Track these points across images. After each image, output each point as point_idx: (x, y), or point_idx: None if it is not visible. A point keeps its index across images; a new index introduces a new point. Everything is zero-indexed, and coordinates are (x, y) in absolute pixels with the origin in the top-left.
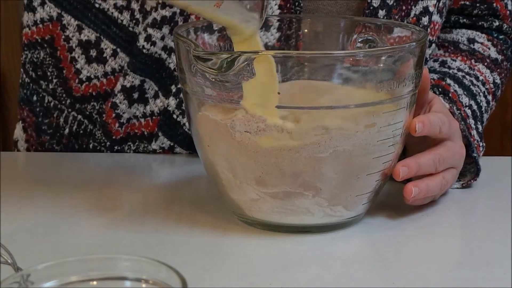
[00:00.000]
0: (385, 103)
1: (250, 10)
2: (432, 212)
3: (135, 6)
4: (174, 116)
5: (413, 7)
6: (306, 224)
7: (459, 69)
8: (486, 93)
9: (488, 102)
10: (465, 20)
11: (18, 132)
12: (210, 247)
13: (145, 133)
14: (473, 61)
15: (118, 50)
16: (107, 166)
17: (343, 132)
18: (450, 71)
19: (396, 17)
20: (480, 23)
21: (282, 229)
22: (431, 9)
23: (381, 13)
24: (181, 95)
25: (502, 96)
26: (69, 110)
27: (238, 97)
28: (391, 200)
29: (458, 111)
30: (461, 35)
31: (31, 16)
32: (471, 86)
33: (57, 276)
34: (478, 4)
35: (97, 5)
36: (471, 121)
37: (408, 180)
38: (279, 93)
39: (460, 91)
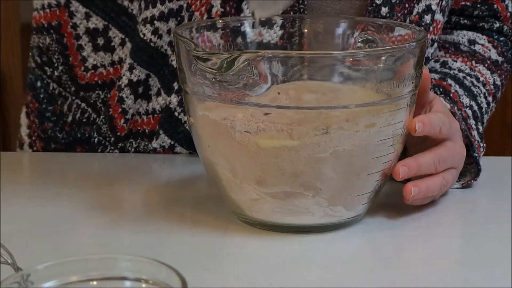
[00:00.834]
0: (385, 103)
1: None
2: (432, 212)
3: None
4: (176, 113)
5: (416, 5)
6: (306, 224)
7: (460, 70)
8: (486, 94)
9: (488, 104)
10: (465, 21)
11: (23, 118)
12: (210, 247)
13: (147, 130)
14: (473, 62)
15: (127, 39)
16: (107, 166)
17: (343, 132)
18: (451, 72)
19: (399, 14)
20: (480, 25)
21: (282, 229)
22: (434, 7)
23: (384, 10)
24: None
25: (502, 97)
26: (73, 97)
27: (238, 97)
28: (391, 200)
29: (459, 112)
30: (462, 36)
31: None
32: (471, 87)
33: (57, 276)
34: (478, 5)
35: None
36: (472, 122)
37: (408, 180)
38: (279, 93)
39: (461, 91)
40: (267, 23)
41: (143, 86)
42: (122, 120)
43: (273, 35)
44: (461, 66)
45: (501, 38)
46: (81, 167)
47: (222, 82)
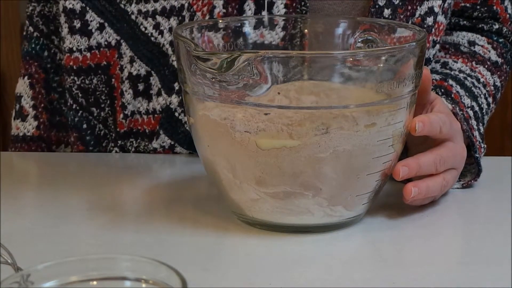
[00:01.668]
0: (385, 103)
1: None
2: (432, 212)
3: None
4: (176, 114)
5: (418, 7)
6: (306, 224)
7: (460, 71)
8: (487, 95)
9: (488, 104)
10: (465, 22)
11: (22, 88)
12: (210, 247)
13: (147, 130)
14: (474, 63)
15: (106, 24)
16: (107, 166)
17: (343, 132)
18: (452, 73)
19: (401, 16)
20: (480, 26)
21: (282, 229)
22: (436, 9)
23: (387, 12)
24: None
25: (502, 97)
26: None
27: (238, 97)
28: (391, 200)
29: (461, 112)
30: (462, 37)
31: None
32: (472, 88)
33: (57, 276)
34: (478, 7)
35: None
36: (473, 122)
37: (409, 180)
38: (279, 93)
39: (462, 92)
40: (269, 24)
41: (144, 84)
42: (121, 115)
43: (274, 36)
44: (462, 67)
45: (501, 40)
46: (81, 167)
47: (222, 82)
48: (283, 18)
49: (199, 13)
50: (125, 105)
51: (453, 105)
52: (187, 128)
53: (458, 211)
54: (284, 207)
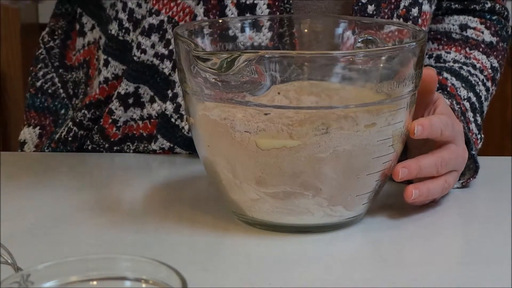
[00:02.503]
0: (385, 103)
1: None
2: (433, 212)
3: (122, 15)
4: (172, 120)
5: None
6: (306, 224)
7: (454, 61)
8: (485, 80)
9: (487, 89)
10: (456, 5)
11: (30, 136)
12: (210, 247)
13: (144, 134)
14: (467, 49)
15: (110, 59)
16: (107, 166)
17: (343, 132)
18: (446, 65)
19: (386, 10)
20: (472, 7)
21: (282, 229)
22: None
23: (370, 8)
24: (178, 99)
25: (502, 95)
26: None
27: (238, 97)
28: (391, 200)
29: (458, 106)
30: (453, 22)
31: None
32: (469, 77)
33: (57, 276)
34: None
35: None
36: (470, 114)
37: (410, 181)
38: (279, 93)
39: (458, 84)
40: (255, 26)
41: (134, 97)
42: (114, 129)
43: (262, 37)
44: (456, 56)
45: (494, 17)
46: (81, 167)
47: (222, 82)
48: (268, 18)
49: (182, 23)
50: (116, 120)
51: (450, 100)
52: (185, 133)
53: (458, 211)
54: (284, 207)
